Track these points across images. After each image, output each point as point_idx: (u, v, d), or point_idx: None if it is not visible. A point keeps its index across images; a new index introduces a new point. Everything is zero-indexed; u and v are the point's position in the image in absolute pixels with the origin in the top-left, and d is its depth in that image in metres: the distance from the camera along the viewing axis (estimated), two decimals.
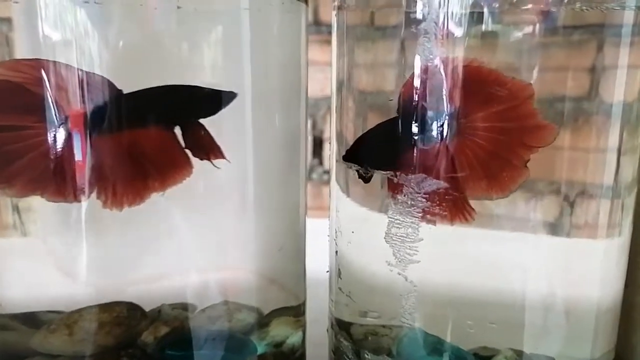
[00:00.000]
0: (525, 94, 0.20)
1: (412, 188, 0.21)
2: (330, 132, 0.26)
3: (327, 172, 0.94)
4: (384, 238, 0.22)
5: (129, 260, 0.25)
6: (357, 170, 0.23)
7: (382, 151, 0.22)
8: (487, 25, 0.20)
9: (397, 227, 0.21)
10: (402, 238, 0.22)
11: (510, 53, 0.20)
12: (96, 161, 0.21)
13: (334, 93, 0.26)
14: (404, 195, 0.21)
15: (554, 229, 0.22)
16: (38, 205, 0.23)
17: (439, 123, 0.21)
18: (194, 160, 0.23)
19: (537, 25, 0.20)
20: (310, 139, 0.94)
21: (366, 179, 0.23)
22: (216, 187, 0.24)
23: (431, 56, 0.20)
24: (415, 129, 0.21)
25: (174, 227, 0.24)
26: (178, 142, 0.23)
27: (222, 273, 0.26)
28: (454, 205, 0.21)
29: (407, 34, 0.21)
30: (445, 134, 0.21)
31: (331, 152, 0.26)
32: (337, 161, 0.25)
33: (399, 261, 0.22)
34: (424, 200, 0.21)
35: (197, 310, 0.26)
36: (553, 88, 0.20)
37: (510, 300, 0.22)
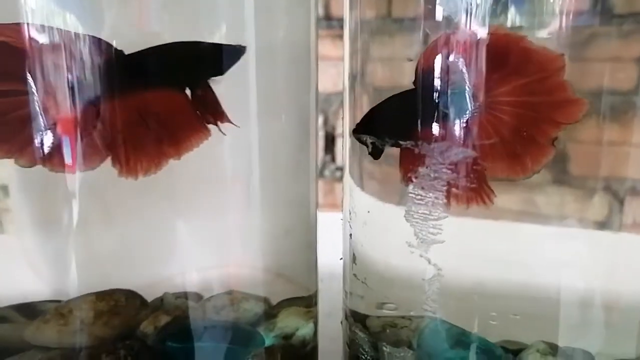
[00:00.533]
0: (555, 66, 0.18)
1: (435, 158, 0.19)
2: (342, 128, 0.25)
3: (340, 168, 0.93)
4: (404, 216, 0.20)
5: (128, 253, 0.24)
6: (372, 143, 0.21)
7: (399, 121, 0.21)
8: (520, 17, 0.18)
9: (419, 204, 0.19)
10: (424, 215, 0.19)
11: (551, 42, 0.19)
12: (105, 127, 0.20)
13: (346, 88, 0.24)
14: (426, 167, 0.19)
15: (602, 225, 0.20)
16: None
17: (460, 96, 0.19)
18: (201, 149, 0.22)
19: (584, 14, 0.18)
20: (322, 135, 0.93)
21: (378, 154, 0.21)
22: (222, 179, 0.24)
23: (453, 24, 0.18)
24: (434, 100, 0.19)
25: (176, 218, 0.23)
26: (191, 104, 0.21)
27: (227, 265, 0.25)
28: (470, 186, 0.19)
29: (428, 24, 0.20)
30: (466, 107, 0.19)
31: (344, 146, 0.25)
32: (350, 156, 0.24)
33: (421, 241, 0.20)
34: (448, 171, 0.19)
35: (202, 299, 0.25)
36: (601, 80, 0.19)
37: (546, 293, 0.21)
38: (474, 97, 0.19)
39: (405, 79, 0.20)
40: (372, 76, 0.23)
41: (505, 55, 0.18)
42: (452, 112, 0.19)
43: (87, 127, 0.20)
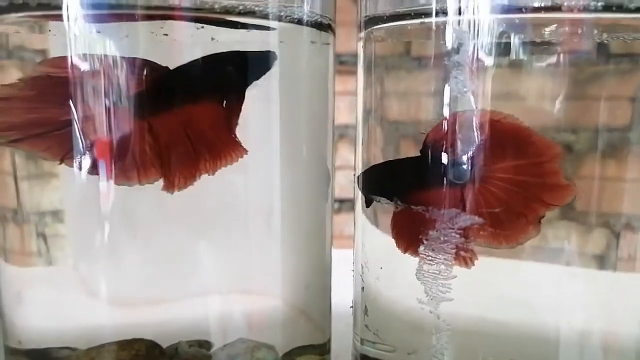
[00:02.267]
0: (552, 153, 0.20)
1: (445, 224, 0.20)
2: (355, 162, 0.26)
3: (339, 201, 0.93)
4: (415, 275, 0.21)
5: (152, 283, 0.24)
6: (387, 203, 0.22)
7: (410, 185, 0.22)
8: (525, 55, 0.20)
9: (429, 264, 0.21)
10: (434, 275, 0.21)
11: (554, 82, 0.20)
12: (153, 141, 0.21)
13: (359, 122, 0.25)
14: (436, 231, 0.20)
15: (600, 259, 0.21)
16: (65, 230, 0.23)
17: (464, 169, 0.20)
18: (219, 194, 0.22)
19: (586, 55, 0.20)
20: None
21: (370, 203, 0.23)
22: (243, 216, 0.24)
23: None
24: (440, 169, 0.21)
25: (192, 256, 0.23)
26: (228, 120, 0.22)
27: (248, 306, 0.25)
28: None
29: (446, 64, 0.21)
30: (468, 180, 0.21)
31: (355, 181, 0.26)
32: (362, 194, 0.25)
33: (431, 299, 0.21)
34: (457, 236, 0.20)
35: (213, 347, 0.25)
36: (599, 117, 0.20)
37: (549, 337, 0.22)
38: (475, 171, 0.20)
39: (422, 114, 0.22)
40: (387, 110, 0.24)
41: (509, 139, 0.20)
42: (453, 182, 0.21)
43: (139, 142, 0.21)
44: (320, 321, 0.27)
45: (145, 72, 0.21)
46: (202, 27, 0.21)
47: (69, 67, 0.21)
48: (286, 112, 0.24)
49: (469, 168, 0.20)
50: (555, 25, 0.20)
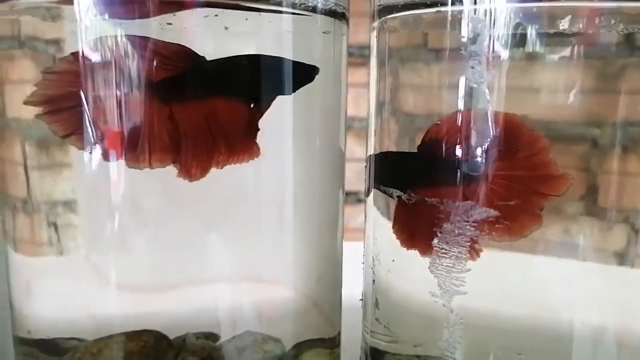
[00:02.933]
0: (539, 146, 0.20)
1: (459, 216, 0.20)
2: (366, 153, 0.26)
3: (348, 193, 0.92)
4: (429, 268, 0.21)
5: (163, 273, 0.24)
6: (399, 197, 0.22)
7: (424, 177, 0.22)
8: (543, 47, 0.20)
9: (443, 257, 0.20)
10: (448, 268, 0.21)
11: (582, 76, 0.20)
12: (174, 128, 0.21)
13: (372, 115, 0.25)
14: (451, 224, 0.20)
15: (621, 258, 0.21)
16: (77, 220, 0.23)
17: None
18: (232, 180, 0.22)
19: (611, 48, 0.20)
20: None
21: None
22: (256, 207, 0.24)
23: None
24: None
25: (204, 248, 0.23)
26: (251, 122, 0.22)
27: (258, 298, 0.25)
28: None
29: (461, 56, 0.21)
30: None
31: (366, 174, 0.25)
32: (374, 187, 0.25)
33: (444, 292, 0.21)
34: (472, 229, 0.20)
35: (220, 339, 0.25)
36: (621, 112, 0.20)
37: (562, 333, 0.21)
38: (475, 169, 0.20)
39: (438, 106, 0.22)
40: (402, 103, 0.24)
41: (502, 134, 0.20)
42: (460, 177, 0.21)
43: (159, 126, 0.21)
44: (330, 314, 0.27)
45: (182, 60, 0.21)
46: (216, 15, 0.21)
47: (108, 49, 0.20)
48: (300, 103, 0.23)
49: (476, 164, 0.20)
50: (572, 15, 0.19)
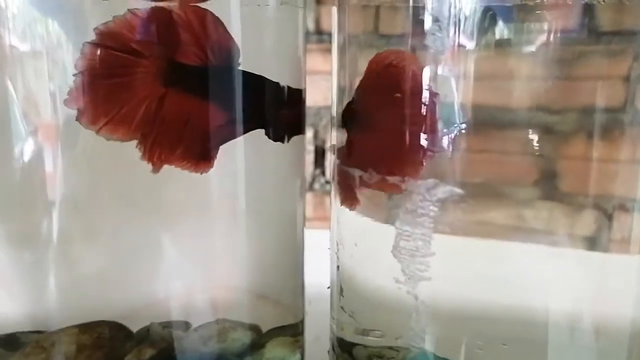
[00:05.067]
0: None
1: (422, 195, 0.19)
2: (330, 137, 0.25)
3: (329, 182, 0.93)
4: (392, 252, 0.20)
5: (110, 272, 0.23)
6: (360, 177, 0.21)
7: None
8: (508, 32, 0.18)
9: (406, 240, 0.19)
10: (411, 252, 0.19)
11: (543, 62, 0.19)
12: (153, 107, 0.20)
13: (334, 102, 0.24)
14: (413, 204, 0.19)
15: (591, 241, 0.20)
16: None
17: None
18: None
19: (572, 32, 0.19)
20: (312, 148, 0.93)
21: None
22: (204, 197, 0.23)
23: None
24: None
25: (157, 240, 0.22)
26: (221, 137, 0.21)
27: (212, 290, 0.24)
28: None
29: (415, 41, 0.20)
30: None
31: (330, 160, 0.24)
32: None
33: (409, 278, 0.20)
34: (435, 209, 0.19)
35: (190, 328, 0.24)
36: (588, 98, 0.19)
37: (534, 319, 0.20)
38: None
39: None
40: None
41: None
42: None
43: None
44: (291, 302, 0.26)
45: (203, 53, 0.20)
46: None
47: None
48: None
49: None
50: None
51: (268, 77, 0.23)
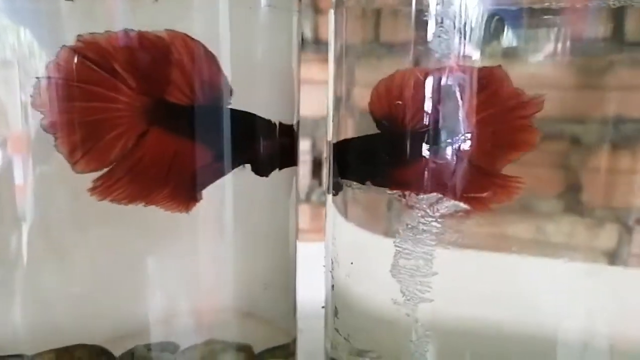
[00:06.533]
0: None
1: (424, 211, 0.17)
2: (326, 147, 0.24)
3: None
4: (390, 271, 0.18)
5: (91, 300, 0.22)
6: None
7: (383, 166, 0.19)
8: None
9: (406, 258, 0.18)
10: (411, 271, 0.18)
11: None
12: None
13: (330, 112, 0.23)
14: (414, 220, 0.17)
15: (611, 257, 0.19)
16: None
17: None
18: None
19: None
20: (309, 159, 0.92)
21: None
22: (191, 215, 0.22)
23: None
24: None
25: (142, 260, 0.21)
26: (206, 179, 0.20)
27: (202, 310, 0.23)
28: None
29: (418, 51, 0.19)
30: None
31: (326, 172, 0.24)
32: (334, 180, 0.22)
33: (408, 299, 0.18)
34: (438, 225, 0.17)
35: (179, 350, 0.23)
36: (614, 108, 0.18)
37: (547, 337, 0.19)
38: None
39: None
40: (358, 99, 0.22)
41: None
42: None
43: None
44: (282, 322, 0.25)
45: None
46: None
47: None
48: (239, 91, 0.21)
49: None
50: None
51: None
